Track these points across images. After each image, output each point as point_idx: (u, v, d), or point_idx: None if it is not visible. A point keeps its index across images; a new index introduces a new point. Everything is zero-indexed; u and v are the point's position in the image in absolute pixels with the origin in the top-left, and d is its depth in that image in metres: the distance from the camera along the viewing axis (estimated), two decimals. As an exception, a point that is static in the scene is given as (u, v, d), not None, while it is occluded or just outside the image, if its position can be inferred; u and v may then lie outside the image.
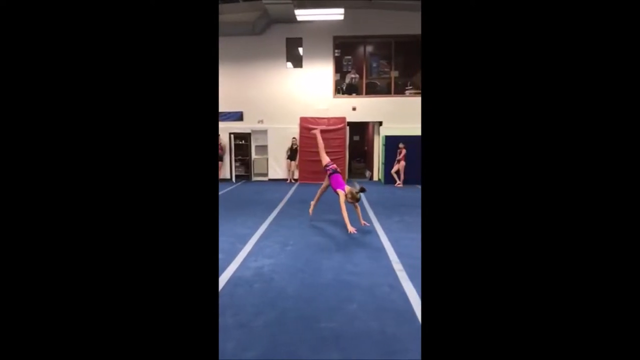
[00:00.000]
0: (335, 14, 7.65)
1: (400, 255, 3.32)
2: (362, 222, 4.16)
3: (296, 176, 8.88)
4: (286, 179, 8.88)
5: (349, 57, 9.28)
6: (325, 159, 4.39)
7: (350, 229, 3.80)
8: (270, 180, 9.07)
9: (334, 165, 4.34)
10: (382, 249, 3.50)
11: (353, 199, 4.01)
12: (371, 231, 4.15)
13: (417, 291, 2.51)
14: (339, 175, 4.24)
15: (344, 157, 8.76)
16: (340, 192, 4.01)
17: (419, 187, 7.75)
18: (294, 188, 7.83)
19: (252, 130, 9.14)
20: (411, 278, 2.75)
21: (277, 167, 9.11)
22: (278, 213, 5.19)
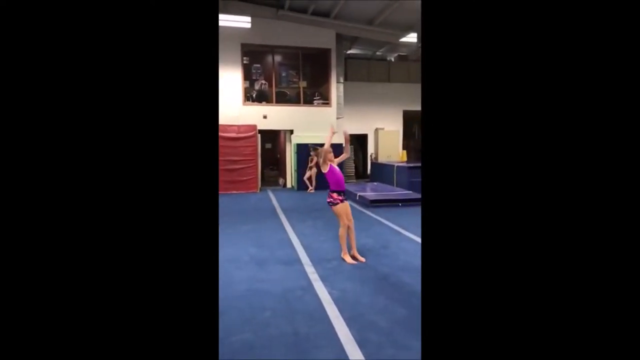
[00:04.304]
0: (243, 21, 7.59)
1: (312, 258, 3.44)
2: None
3: (206, 186, 8.41)
4: (195, 190, 8.34)
5: (258, 65, 9.28)
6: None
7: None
8: (176, 191, 8.40)
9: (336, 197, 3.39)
10: (295, 254, 3.58)
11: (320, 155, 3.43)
12: (284, 238, 4.20)
13: (327, 291, 2.64)
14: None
15: (256, 165, 8.68)
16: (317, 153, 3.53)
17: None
18: (203, 199, 7.39)
19: (154, 138, 8.35)
20: (323, 279, 2.88)
21: (184, 177, 8.50)
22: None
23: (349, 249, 3.40)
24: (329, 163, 3.33)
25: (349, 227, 3.35)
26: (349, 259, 3.33)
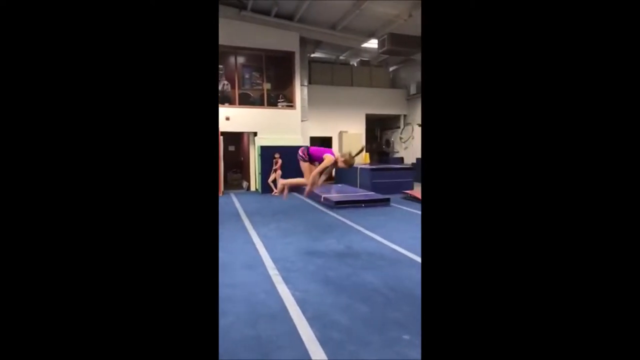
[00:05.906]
0: (203, 20, 7.40)
1: (275, 260, 3.43)
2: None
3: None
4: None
5: (221, 66, 9.08)
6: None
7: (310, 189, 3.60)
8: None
9: (302, 152, 3.67)
10: (258, 257, 3.55)
11: (346, 164, 3.49)
12: (248, 241, 4.14)
13: (291, 293, 2.65)
14: (313, 150, 3.64)
15: (219, 168, 8.47)
16: (327, 157, 3.49)
17: (296, 194, 8.16)
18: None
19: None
20: (286, 281, 2.88)
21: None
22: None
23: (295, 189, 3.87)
24: (336, 164, 3.56)
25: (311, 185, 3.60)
26: (276, 189, 3.80)
